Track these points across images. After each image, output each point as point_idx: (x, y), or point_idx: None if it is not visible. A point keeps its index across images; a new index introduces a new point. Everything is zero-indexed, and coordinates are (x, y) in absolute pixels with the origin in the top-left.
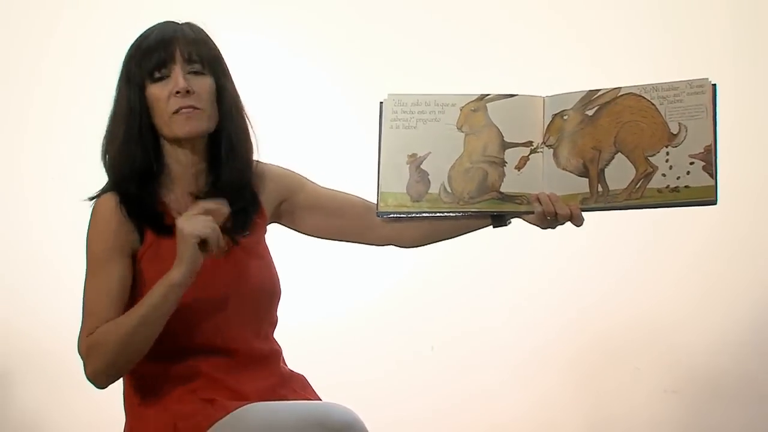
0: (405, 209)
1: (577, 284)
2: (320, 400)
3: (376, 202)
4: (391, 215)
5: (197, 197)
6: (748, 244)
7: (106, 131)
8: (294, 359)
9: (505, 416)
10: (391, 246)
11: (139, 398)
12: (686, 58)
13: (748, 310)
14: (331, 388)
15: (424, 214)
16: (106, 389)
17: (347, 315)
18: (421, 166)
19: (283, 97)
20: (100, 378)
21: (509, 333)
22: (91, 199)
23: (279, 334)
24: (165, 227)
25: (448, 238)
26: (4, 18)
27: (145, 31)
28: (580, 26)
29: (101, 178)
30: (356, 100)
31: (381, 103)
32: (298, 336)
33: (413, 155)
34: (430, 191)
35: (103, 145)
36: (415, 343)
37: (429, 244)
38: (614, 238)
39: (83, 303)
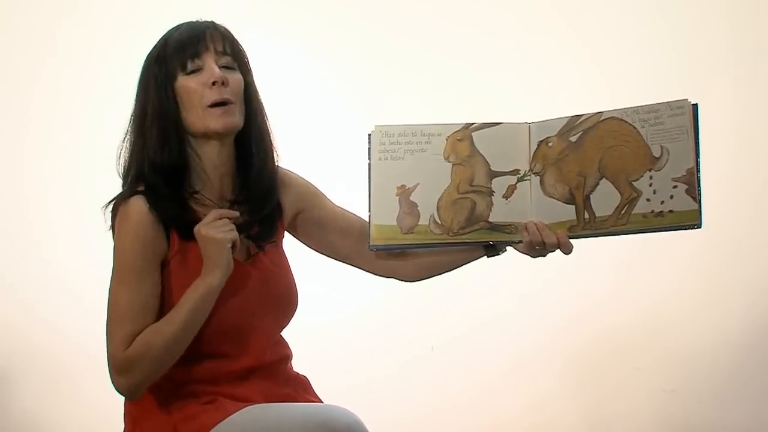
0: (396, 242)
1: (577, 284)
2: (321, 402)
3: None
4: (382, 248)
5: (228, 201)
6: (748, 243)
7: (133, 134)
8: (294, 361)
9: (505, 416)
10: (392, 279)
11: (138, 400)
12: (686, 56)
13: (747, 310)
14: (332, 389)
15: (415, 247)
16: (104, 390)
17: (347, 316)
18: (411, 198)
19: (282, 97)
20: (138, 390)
21: (509, 333)
22: (110, 202)
23: None
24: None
25: (446, 272)
26: (5, 18)
27: (168, 32)
28: (582, 30)
29: (101, 178)
30: (356, 102)
31: (369, 135)
32: (298, 337)
33: (402, 186)
34: (420, 223)
35: (127, 148)
36: (415, 343)
37: (428, 278)
38: (613, 238)
39: (112, 312)
